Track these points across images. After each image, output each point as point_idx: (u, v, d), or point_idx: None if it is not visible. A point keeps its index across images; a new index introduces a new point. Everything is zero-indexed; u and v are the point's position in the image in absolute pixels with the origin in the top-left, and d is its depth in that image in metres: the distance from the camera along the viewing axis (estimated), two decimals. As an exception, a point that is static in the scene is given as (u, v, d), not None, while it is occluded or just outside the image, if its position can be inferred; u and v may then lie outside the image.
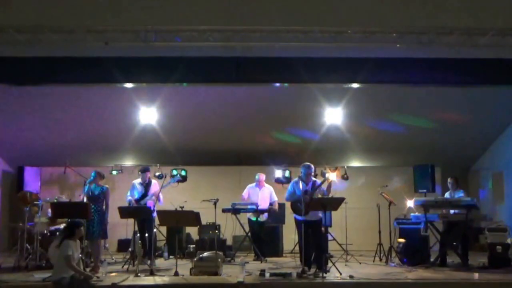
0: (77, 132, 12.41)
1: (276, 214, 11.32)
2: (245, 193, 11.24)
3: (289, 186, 9.41)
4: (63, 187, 12.19)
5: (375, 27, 8.52)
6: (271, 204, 11.10)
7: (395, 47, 8.77)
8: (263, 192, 11.19)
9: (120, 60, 9.22)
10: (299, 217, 9.07)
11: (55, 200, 10.41)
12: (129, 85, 9.87)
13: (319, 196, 9.04)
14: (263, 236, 11.14)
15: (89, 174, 9.67)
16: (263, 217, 11.01)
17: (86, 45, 8.63)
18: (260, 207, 10.93)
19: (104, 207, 9.43)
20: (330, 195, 9.18)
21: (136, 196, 10.35)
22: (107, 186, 9.66)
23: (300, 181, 9.18)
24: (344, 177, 9.83)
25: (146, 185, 10.38)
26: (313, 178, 9.31)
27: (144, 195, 10.28)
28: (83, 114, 11.86)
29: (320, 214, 8.96)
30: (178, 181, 11.00)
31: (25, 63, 9.20)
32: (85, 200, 9.44)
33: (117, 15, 8.47)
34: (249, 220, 11.13)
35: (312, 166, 9.33)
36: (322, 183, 9.18)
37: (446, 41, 8.67)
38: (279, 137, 12.76)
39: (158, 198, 10.13)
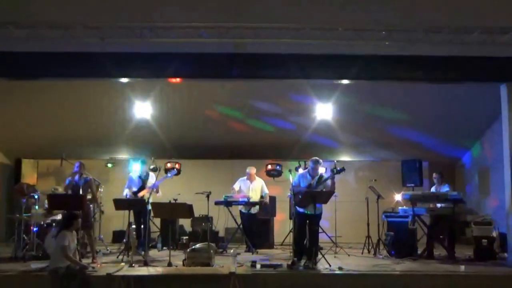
0: (73, 126, 12.46)
1: (267, 207, 11.44)
2: (236, 185, 11.33)
3: (296, 178, 9.49)
4: (59, 179, 12.28)
5: (365, 25, 8.59)
6: (262, 197, 11.22)
7: (385, 44, 8.81)
8: (254, 185, 11.30)
9: (116, 56, 9.25)
10: (300, 209, 9.20)
11: (52, 192, 10.58)
12: (124, 80, 9.91)
13: (324, 190, 9.16)
14: (255, 228, 11.26)
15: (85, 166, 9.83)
16: (255, 209, 11.15)
17: (82, 40, 8.63)
18: (251, 200, 11.05)
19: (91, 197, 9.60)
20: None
21: (134, 189, 10.48)
22: (90, 176, 9.78)
23: (307, 174, 9.36)
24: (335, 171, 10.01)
25: (143, 178, 10.51)
26: (321, 173, 9.42)
27: (142, 187, 10.42)
28: (79, 108, 11.89)
29: (322, 208, 9.17)
30: (174, 175, 11.15)
31: (23, 58, 9.22)
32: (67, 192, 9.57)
33: (113, 12, 8.54)
34: (241, 212, 11.27)
35: (321, 160, 9.44)
36: (328, 178, 9.26)
37: (434, 39, 8.71)
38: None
39: (157, 190, 10.25)
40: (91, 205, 9.82)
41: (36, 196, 10.03)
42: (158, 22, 8.54)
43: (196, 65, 9.51)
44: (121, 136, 12.89)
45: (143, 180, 10.53)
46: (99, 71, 9.35)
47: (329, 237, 11.35)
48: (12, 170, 13.16)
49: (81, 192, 9.46)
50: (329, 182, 9.23)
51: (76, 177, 9.55)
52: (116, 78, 9.75)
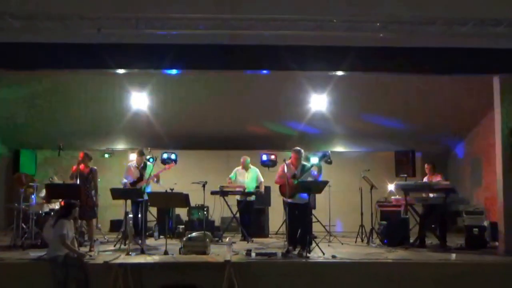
0: (71, 117, 12.53)
1: (262, 197, 11.55)
2: (232, 175, 11.47)
3: (279, 169, 9.58)
4: (57, 169, 12.34)
5: (359, 16, 8.59)
6: (257, 186, 11.33)
7: (379, 36, 8.87)
8: (250, 174, 11.42)
9: (112, 47, 9.26)
10: (288, 200, 9.27)
11: (49, 181, 10.65)
12: (121, 71, 9.93)
13: (309, 180, 9.25)
14: (250, 217, 11.36)
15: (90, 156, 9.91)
16: (251, 197, 11.26)
17: (79, 31, 8.64)
18: (247, 189, 11.16)
19: (93, 187, 9.69)
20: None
21: (131, 180, 10.52)
22: (95, 167, 9.88)
23: (290, 165, 9.40)
24: (328, 162, 10.03)
25: (142, 169, 10.59)
26: (303, 163, 9.52)
27: (140, 178, 10.51)
28: (77, 99, 11.97)
29: (307, 197, 9.21)
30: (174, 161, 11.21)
31: (21, 49, 9.24)
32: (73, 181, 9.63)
33: (109, 3, 8.53)
34: (238, 200, 11.38)
35: (302, 150, 9.51)
36: (311, 167, 9.37)
37: (428, 31, 8.76)
38: (271, 127, 13.00)
39: (157, 180, 10.31)
40: (94, 196, 9.89)
41: (34, 186, 10.09)
42: (154, 13, 8.52)
43: (192, 56, 9.50)
44: (118, 126, 12.95)
45: (141, 171, 10.61)
46: (95, 62, 9.35)
47: (323, 226, 11.42)
48: (10, 161, 13.19)
49: (84, 182, 9.54)
50: (314, 171, 9.34)
51: (81, 166, 9.63)
52: (113, 69, 9.74)
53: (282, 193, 9.43)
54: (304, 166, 9.43)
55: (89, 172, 9.70)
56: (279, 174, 9.46)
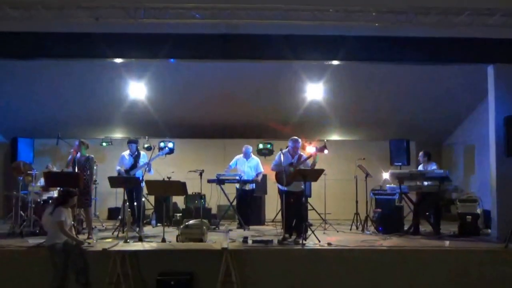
0: (69, 105, 12.58)
1: (259, 185, 11.60)
2: (232, 163, 11.53)
3: (276, 157, 9.64)
4: (55, 158, 12.40)
5: (355, 6, 8.59)
6: (256, 175, 11.38)
7: (374, 26, 8.89)
8: (250, 163, 11.47)
9: (110, 36, 9.33)
10: (282, 187, 9.36)
11: (46, 169, 10.71)
12: (119, 60, 9.98)
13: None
14: (247, 205, 11.39)
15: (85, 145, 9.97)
16: (249, 186, 11.32)
17: (77, 21, 8.65)
18: (246, 177, 11.23)
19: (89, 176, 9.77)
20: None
21: (125, 167, 10.64)
22: (92, 155, 9.93)
23: (287, 153, 9.46)
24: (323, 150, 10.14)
25: (136, 156, 10.65)
26: (300, 152, 9.58)
27: (134, 165, 10.58)
28: (74, 88, 12.01)
29: (302, 185, 9.24)
30: (166, 153, 11.30)
31: (19, 38, 9.30)
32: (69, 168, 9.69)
33: None
34: (236, 189, 11.44)
35: (300, 140, 9.56)
36: (308, 158, 9.42)
37: (423, 21, 8.78)
38: (267, 116, 13.10)
39: (149, 168, 10.37)
40: (91, 184, 9.96)
41: (33, 174, 10.12)
42: (151, 2, 8.53)
43: (189, 46, 9.56)
44: (116, 115, 13.05)
45: (135, 159, 10.69)
46: (93, 51, 9.44)
47: (318, 214, 11.52)
48: (8, 149, 13.20)
49: (81, 170, 9.56)
50: (308, 162, 9.41)
51: (78, 154, 9.70)
52: (111, 58, 9.81)
53: (278, 181, 9.51)
54: (301, 155, 9.49)
55: (86, 160, 9.75)
56: (276, 162, 9.54)
